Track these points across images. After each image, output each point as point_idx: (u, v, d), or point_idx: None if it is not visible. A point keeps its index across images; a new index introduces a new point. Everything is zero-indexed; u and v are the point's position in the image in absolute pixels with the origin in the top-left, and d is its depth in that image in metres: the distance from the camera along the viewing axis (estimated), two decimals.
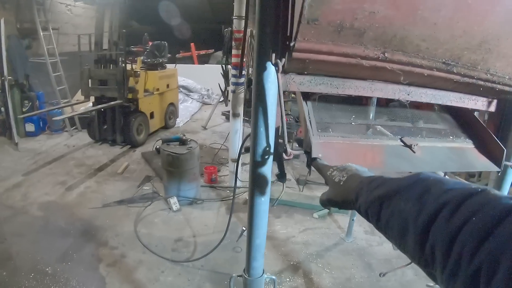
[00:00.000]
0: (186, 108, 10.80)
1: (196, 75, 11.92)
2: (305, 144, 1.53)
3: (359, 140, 1.64)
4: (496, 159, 1.71)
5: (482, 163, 1.72)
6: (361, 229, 4.66)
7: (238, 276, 1.89)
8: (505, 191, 1.94)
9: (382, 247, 4.33)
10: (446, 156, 1.68)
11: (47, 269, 3.57)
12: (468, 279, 0.48)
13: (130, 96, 7.11)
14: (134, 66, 7.55)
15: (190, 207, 5.00)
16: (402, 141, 1.65)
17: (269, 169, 1.53)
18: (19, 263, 3.66)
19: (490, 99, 1.77)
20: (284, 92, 1.43)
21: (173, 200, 4.86)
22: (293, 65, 1.36)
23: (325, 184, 1.08)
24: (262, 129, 1.40)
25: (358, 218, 4.84)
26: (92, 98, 7.18)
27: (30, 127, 7.71)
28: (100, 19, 7.23)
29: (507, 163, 1.73)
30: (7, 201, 4.97)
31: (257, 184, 1.54)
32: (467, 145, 1.79)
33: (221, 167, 6.47)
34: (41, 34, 7.56)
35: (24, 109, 7.58)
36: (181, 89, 10.75)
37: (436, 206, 0.58)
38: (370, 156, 1.58)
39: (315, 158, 1.38)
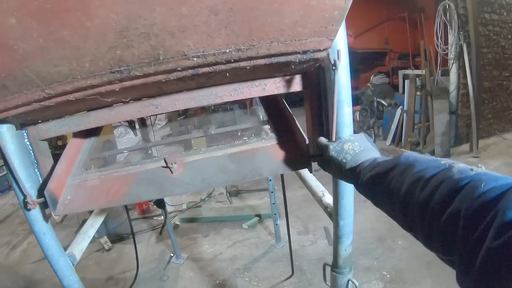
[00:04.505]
0: (129, 141, 10.01)
1: None
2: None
3: (115, 172, 1.33)
4: (303, 153, 1.27)
5: (278, 164, 1.28)
6: (294, 230, 4.23)
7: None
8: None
9: (316, 245, 3.99)
10: (219, 167, 1.27)
11: None
12: (442, 227, 0.61)
13: (60, 143, 6.77)
14: None
15: (122, 243, 4.63)
16: (165, 160, 1.39)
17: None
18: None
19: (284, 78, 1.27)
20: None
21: (104, 240, 4.50)
22: (24, 118, 1.19)
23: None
24: None
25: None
26: None
27: None
28: None
29: (320, 139, 1.16)
30: None
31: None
32: (265, 143, 1.35)
33: None
34: None
35: None
36: (121, 122, 9.92)
37: (412, 180, 0.71)
38: (114, 189, 1.27)
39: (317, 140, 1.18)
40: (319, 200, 1.71)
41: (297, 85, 1.31)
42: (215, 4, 0.81)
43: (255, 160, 1.28)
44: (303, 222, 4.50)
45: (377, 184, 0.84)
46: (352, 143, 1.00)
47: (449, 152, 6.37)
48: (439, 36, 6.38)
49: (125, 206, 2.92)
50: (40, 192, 1.29)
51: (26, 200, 1.22)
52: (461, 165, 0.67)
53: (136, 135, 3.40)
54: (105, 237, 4.56)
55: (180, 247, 4.17)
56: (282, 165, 1.27)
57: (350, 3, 0.94)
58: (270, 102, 1.65)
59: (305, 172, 1.97)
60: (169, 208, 4.98)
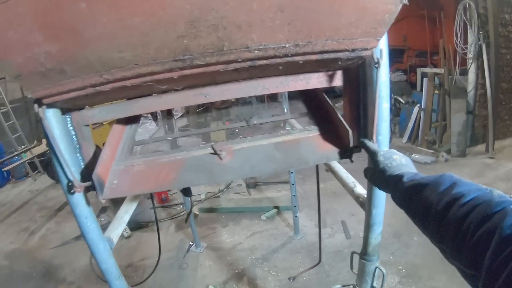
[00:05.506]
0: (145, 130, 10.00)
1: None
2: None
3: (161, 158, 1.40)
4: (345, 144, 1.34)
5: (322, 154, 1.35)
6: (312, 223, 4.33)
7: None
8: None
9: (334, 238, 4.06)
10: (266, 155, 1.34)
11: None
12: (475, 242, 0.66)
13: None
14: None
15: (141, 231, 4.72)
16: (212, 148, 1.48)
17: None
18: None
19: (326, 73, 1.35)
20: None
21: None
22: (72, 103, 1.22)
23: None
24: None
25: (306, 212, 4.70)
26: (45, 140, 6.79)
27: None
28: None
29: (366, 141, 1.24)
30: None
31: None
32: (308, 134, 1.43)
33: None
34: None
35: None
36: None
37: (452, 197, 0.77)
38: (163, 175, 1.32)
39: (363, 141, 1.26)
40: (351, 191, 1.78)
41: (338, 80, 1.38)
42: (283, 1, 0.88)
43: (300, 149, 1.36)
44: (321, 216, 4.56)
45: (415, 195, 0.88)
46: (400, 156, 1.07)
47: (465, 152, 6.34)
48: (459, 35, 6.32)
49: (151, 194, 2.99)
50: (83, 177, 1.33)
51: (70, 184, 1.25)
52: (500, 191, 0.73)
53: (157, 125, 3.47)
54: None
55: (199, 236, 4.25)
56: (326, 154, 1.34)
57: (400, 8, 1.01)
58: (309, 95, 1.72)
59: (335, 164, 2.04)
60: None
